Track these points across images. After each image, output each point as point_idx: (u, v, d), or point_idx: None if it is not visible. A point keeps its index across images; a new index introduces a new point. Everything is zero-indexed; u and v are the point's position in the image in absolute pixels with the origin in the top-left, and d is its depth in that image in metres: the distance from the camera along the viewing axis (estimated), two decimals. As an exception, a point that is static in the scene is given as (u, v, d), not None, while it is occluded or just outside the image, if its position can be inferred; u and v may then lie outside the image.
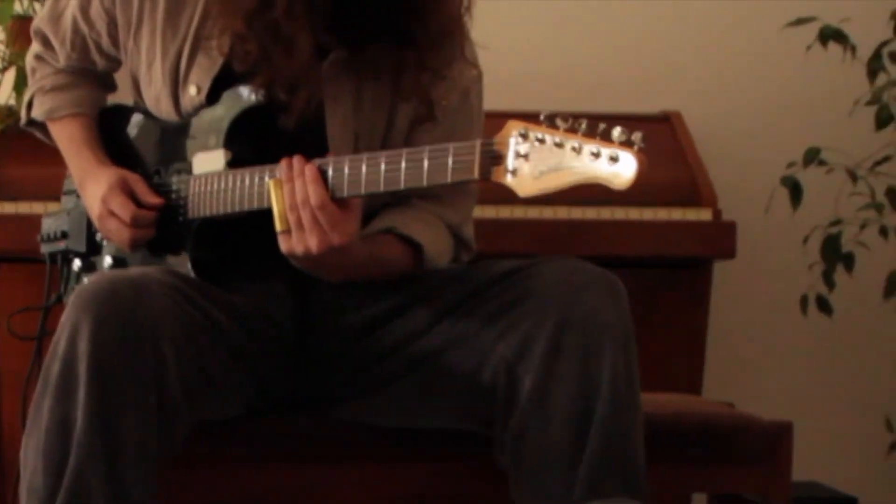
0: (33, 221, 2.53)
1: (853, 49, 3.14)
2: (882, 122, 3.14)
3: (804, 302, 3.23)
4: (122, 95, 2.37)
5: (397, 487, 2.18)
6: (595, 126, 1.75)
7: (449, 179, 1.86)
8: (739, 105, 3.51)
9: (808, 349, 3.51)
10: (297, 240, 1.95)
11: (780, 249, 3.41)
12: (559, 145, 1.76)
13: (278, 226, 1.97)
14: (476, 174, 1.83)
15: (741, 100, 3.51)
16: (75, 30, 2.28)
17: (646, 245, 3.00)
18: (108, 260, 2.26)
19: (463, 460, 2.13)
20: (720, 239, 3.00)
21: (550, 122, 1.79)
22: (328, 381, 2.14)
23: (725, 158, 3.38)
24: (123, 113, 2.29)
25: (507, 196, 3.02)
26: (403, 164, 1.90)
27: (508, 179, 1.81)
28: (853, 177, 3.20)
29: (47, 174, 2.65)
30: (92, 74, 2.34)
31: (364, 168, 1.94)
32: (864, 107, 3.18)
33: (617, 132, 1.73)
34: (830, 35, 3.15)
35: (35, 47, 2.36)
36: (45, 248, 2.38)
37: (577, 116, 1.79)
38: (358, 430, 2.13)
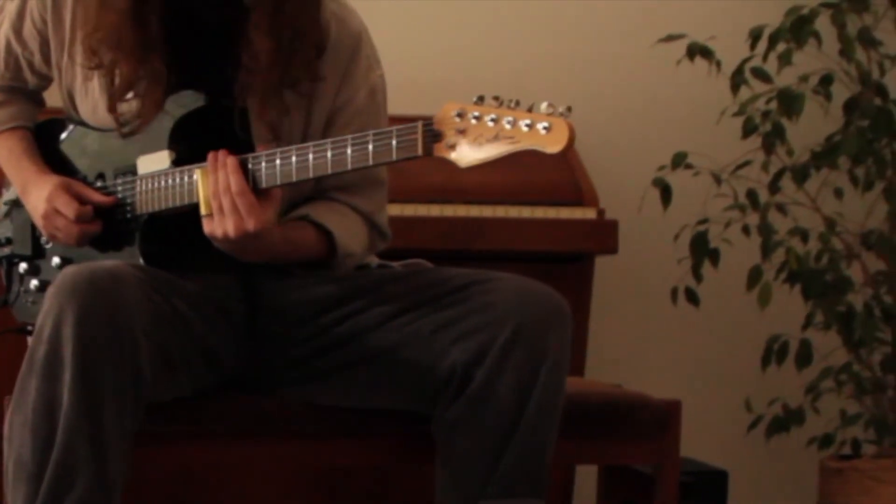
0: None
1: (718, 64, 3.29)
2: (748, 131, 3.29)
3: (674, 293, 3.37)
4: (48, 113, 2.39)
5: (323, 461, 2.32)
6: (522, 104, 1.89)
7: (394, 158, 1.98)
8: (615, 113, 3.61)
9: (677, 336, 3.64)
10: (217, 223, 2.08)
11: (653, 245, 3.52)
12: (495, 120, 1.88)
13: (203, 210, 2.09)
14: (420, 151, 1.94)
15: (617, 108, 3.61)
16: (8, 51, 2.33)
17: (536, 241, 3.10)
18: (55, 260, 2.30)
19: (388, 437, 2.24)
20: (603, 236, 3.13)
21: (481, 102, 1.91)
22: (277, 364, 2.23)
23: (603, 161, 3.47)
24: (56, 126, 2.35)
25: (411, 195, 3.19)
26: (349, 150, 2.01)
27: (449, 153, 1.92)
28: (717, 180, 3.35)
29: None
30: (23, 92, 2.38)
31: (294, 159, 2.05)
32: (730, 117, 3.32)
33: (544, 105, 1.86)
34: (698, 51, 3.30)
35: None
36: None
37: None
38: (290, 408, 2.22)
